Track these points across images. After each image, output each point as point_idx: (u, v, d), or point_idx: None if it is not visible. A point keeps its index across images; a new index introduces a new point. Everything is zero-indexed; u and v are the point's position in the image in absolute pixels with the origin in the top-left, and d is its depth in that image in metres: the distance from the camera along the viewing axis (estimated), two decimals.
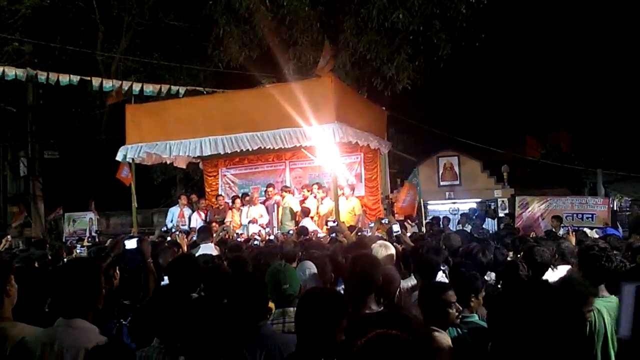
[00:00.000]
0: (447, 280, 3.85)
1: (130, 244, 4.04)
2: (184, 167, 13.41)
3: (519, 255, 4.62)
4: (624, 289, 1.14)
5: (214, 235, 8.34)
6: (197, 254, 5.63)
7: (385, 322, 2.79)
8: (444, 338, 2.93)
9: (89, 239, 11.45)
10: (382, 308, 3.20)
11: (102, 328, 2.95)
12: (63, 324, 2.53)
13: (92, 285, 2.64)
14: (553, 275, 4.24)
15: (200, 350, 2.51)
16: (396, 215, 12.12)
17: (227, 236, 9.31)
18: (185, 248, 6.77)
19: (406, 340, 1.34)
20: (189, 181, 19.65)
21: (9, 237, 9.24)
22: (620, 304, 1.14)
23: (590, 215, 11.81)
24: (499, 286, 4.00)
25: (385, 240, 5.60)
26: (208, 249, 6.68)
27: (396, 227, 5.96)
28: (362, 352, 1.35)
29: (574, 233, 7.56)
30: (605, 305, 3.19)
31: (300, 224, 10.19)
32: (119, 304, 3.47)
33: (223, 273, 3.78)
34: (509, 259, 5.22)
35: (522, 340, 1.32)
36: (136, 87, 11.56)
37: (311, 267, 3.97)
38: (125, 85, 11.52)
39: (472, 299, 3.32)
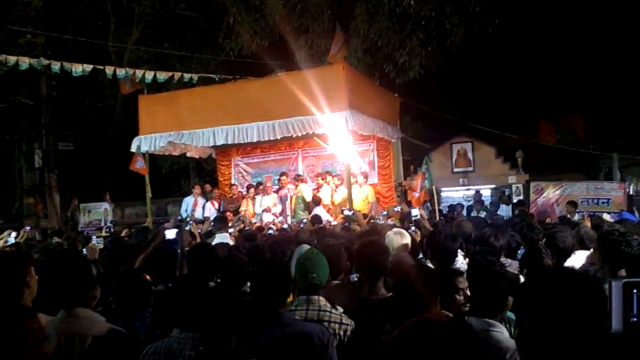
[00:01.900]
0: (466, 266, 3.82)
1: (171, 234, 4.12)
2: (198, 157, 13.45)
3: (540, 242, 4.55)
4: (613, 285, 1.18)
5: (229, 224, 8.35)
6: (212, 244, 5.65)
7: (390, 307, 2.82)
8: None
9: (106, 230, 11.52)
10: (391, 294, 3.15)
11: (137, 315, 3.03)
12: (64, 314, 2.60)
13: (80, 275, 2.70)
14: (571, 260, 4.21)
15: (219, 339, 2.52)
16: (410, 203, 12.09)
17: (243, 226, 9.34)
18: (197, 237, 6.79)
19: (445, 327, 1.34)
20: (202, 171, 19.72)
21: (27, 227, 9.33)
22: (610, 301, 1.16)
23: (606, 200, 11.70)
24: (524, 272, 3.93)
25: (399, 227, 5.57)
26: (224, 238, 6.70)
27: (415, 212, 5.88)
28: (402, 336, 1.34)
29: (589, 218, 7.48)
30: None
31: (313, 213, 10.20)
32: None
33: (241, 262, 3.80)
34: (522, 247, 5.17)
35: (550, 328, 1.31)
36: (149, 75, 11.54)
37: None
38: (139, 73, 11.52)
39: None
